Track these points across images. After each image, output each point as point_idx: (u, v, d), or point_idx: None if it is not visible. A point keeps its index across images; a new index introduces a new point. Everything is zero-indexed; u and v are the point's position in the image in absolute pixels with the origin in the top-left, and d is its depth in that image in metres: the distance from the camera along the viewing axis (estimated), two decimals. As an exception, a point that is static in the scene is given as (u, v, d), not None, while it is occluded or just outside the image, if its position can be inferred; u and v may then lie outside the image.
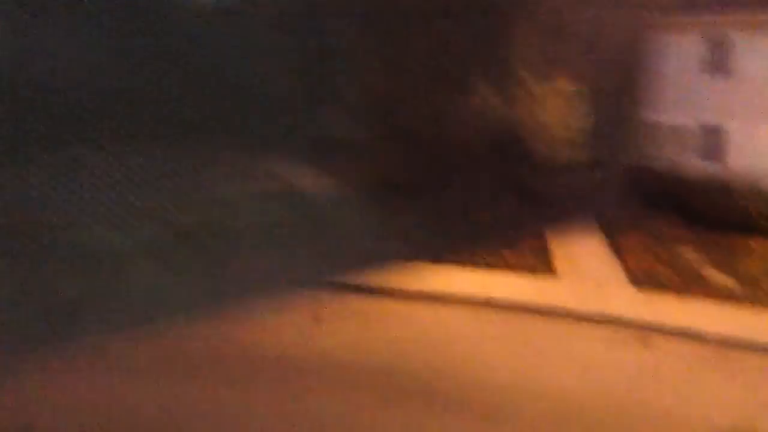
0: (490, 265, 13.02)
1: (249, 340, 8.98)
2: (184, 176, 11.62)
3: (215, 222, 12.17)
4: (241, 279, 11.27)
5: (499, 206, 16.29)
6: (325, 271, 12.00)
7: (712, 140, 18.47)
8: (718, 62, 18.33)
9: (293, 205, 13.28)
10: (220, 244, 12.26)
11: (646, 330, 10.23)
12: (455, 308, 10.92)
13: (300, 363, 8.25)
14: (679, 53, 19.18)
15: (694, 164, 18.58)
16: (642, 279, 12.59)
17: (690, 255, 14.09)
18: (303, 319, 9.89)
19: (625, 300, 11.57)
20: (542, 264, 13.35)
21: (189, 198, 11.72)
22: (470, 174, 16.17)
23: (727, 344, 9.81)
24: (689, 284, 12.41)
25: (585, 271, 13.12)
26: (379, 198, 14.35)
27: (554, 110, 17.68)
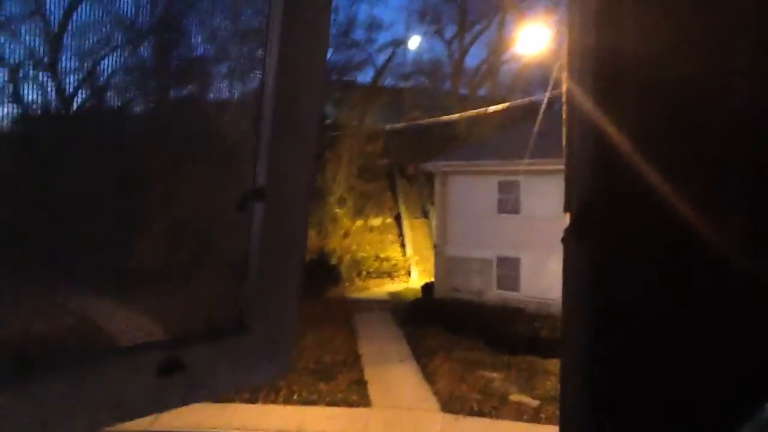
0: (306, 401, 12.65)
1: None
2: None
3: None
4: None
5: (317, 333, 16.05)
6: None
7: (509, 270, 20.26)
8: (511, 203, 20.62)
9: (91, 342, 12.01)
10: None
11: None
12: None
13: None
14: (476, 195, 21.30)
15: (494, 293, 20.10)
16: (452, 404, 12.84)
17: (496, 379, 14.74)
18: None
19: (435, 425, 11.64)
20: (358, 395, 13.19)
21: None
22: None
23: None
24: (497, 407, 12.86)
25: (398, 398, 13.13)
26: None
27: (365, 242, 18.38)
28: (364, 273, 27.77)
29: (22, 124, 1.25)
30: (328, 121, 28.04)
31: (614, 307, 1.01)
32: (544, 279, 18.67)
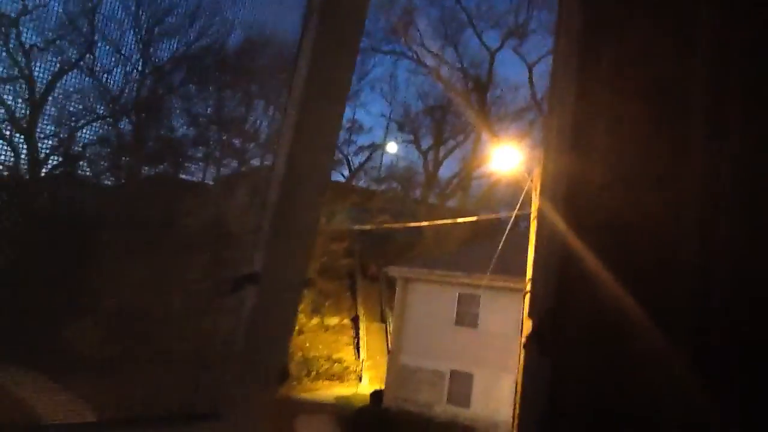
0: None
1: None
2: None
3: None
4: None
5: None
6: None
7: (461, 386, 19.86)
8: (468, 316, 20.56)
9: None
10: None
11: None
12: None
13: None
14: (435, 305, 21.23)
15: (444, 407, 19.58)
16: None
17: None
18: None
19: None
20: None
21: None
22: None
23: None
24: None
25: None
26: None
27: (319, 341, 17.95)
28: (314, 373, 26.99)
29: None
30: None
31: (567, 414, 1.03)
32: (495, 398, 18.33)
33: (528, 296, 14.49)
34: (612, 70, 1.10)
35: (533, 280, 1.17)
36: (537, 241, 1.18)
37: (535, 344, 1.12)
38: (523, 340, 1.16)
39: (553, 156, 1.18)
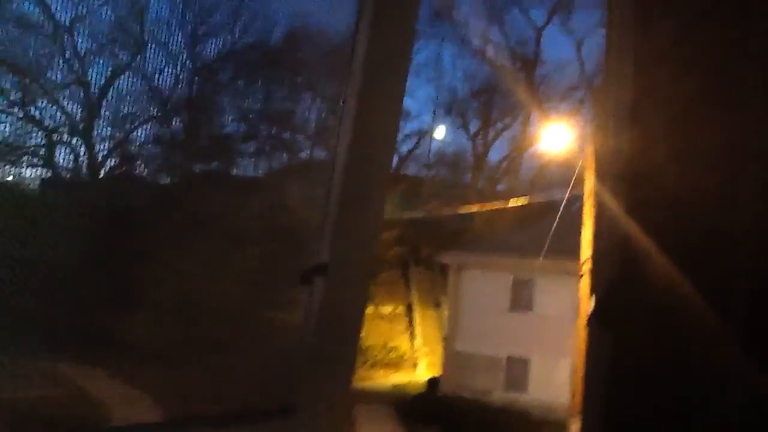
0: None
1: None
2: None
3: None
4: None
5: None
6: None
7: (517, 371, 19.69)
8: (523, 300, 20.32)
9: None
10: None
11: None
12: None
13: None
14: (489, 291, 21.06)
15: (501, 393, 19.45)
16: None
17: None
18: None
19: None
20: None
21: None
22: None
23: None
24: None
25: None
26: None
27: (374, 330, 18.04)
28: (370, 362, 27.20)
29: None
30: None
31: (632, 390, 1.05)
32: (553, 382, 18.11)
33: (584, 278, 14.25)
34: (669, 44, 1.07)
35: (595, 258, 1.21)
36: (597, 218, 1.19)
37: (597, 320, 1.13)
38: (586, 319, 1.20)
39: (611, 133, 1.16)
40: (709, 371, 1.01)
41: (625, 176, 1.12)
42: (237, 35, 1.60)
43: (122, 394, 1.34)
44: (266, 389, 1.47)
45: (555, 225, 15.99)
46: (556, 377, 17.72)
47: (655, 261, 1.06)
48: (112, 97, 1.35)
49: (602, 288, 1.16)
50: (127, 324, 1.42)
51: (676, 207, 1.07)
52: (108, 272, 1.35)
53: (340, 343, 1.48)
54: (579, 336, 13.92)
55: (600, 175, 1.21)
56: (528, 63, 35.28)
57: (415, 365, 28.47)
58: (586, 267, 14.30)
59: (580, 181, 15.13)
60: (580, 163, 15.02)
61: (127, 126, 1.41)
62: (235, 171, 1.75)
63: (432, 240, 28.97)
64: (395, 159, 36.67)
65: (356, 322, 1.54)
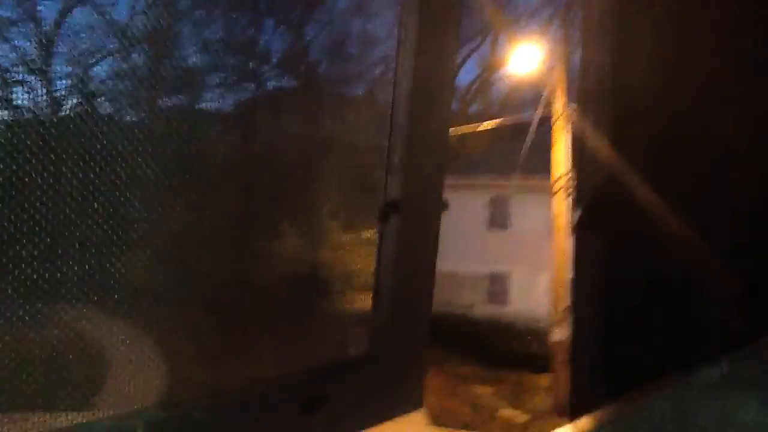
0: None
1: None
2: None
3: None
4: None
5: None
6: None
7: (499, 287, 20.26)
8: (500, 218, 20.66)
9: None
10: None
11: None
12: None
13: None
14: (468, 210, 21.31)
15: (484, 308, 20.06)
16: (442, 418, 12.78)
17: (486, 393, 14.69)
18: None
19: (426, 440, 11.61)
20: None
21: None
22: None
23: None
24: (486, 421, 12.83)
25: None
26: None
27: (358, 257, 18.31)
28: (356, 285, 27.65)
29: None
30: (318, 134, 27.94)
31: (624, 289, 1.10)
32: (532, 294, 18.66)
33: (557, 194, 14.45)
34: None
35: (578, 170, 1.26)
36: (578, 129, 1.24)
37: (587, 224, 1.19)
38: (572, 226, 1.27)
39: (593, 44, 1.17)
40: (696, 268, 1.06)
41: (610, 92, 1.14)
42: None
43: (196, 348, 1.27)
44: (347, 340, 1.40)
45: (527, 145, 16.05)
46: (536, 289, 18.25)
47: (637, 166, 1.10)
48: (66, 32, 1.30)
49: (589, 195, 1.18)
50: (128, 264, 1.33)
51: (657, 121, 1.10)
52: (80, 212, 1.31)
53: (416, 287, 1.38)
54: (554, 249, 14.26)
55: (582, 89, 1.23)
56: (494, -22, 34.31)
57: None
58: (559, 184, 14.49)
59: (549, 102, 15.10)
60: (549, 84, 14.96)
61: (86, 62, 1.36)
62: (201, 105, 1.71)
63: (407, 165, 28.86)
64: (365, 83, 35.96)
65: (431, 261, 1.44)
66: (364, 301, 1.40)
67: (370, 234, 1.39)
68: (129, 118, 1.50)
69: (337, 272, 1.48)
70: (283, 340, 1.34)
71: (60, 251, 1.18)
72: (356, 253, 1.43)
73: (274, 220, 1.46)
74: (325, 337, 1.40)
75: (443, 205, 1.47)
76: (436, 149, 1.44)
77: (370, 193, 1.40)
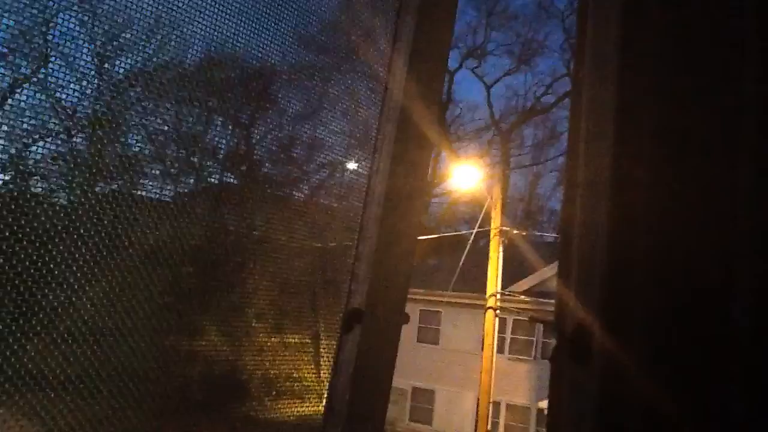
0: None
1: None
2: None
3: None
4: None
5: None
6: None
7: (423, 402, 19.81)
8: (430, 332, 20.56)
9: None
10: None
11: None
12: None
13: None
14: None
15: (406, 425, 19.48)
16: None
17: None
18: None
19: None
20: None
21: None
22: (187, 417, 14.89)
23: None
24: None
25: None
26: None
27: (282, 361, 17.67)
28: (274, 393, 26.53)
29: None
30: (256, 233, 27.80)
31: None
32: (457, 413, 18.33)
33: (488, 311, 14.56)
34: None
35: (561, 287, 1.02)
36: (563, 240, 1.05)
37: (568, 357, 1.01)
38: (552, 352, 1.05)
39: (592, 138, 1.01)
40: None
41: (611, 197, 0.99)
42: (149, 53, 1.56)
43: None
44: None
45: (462, 260, 16.37)
46: (461, 409, 17.96)
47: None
48: (9, 109, 1.28)
49: (571, 320, 0.98)
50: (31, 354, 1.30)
51: (665, 230, 0.93)
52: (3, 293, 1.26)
53: (372, 400, 1.32)
54: (483, 368, 14.19)
55: (584, 208, 1.06)
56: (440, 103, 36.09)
57: (320, 396, 27.97)
58: (491, 301, 14.69)
59: (487, 219, 15.62)
60: (488, 201, 15.54)
61: (25, 140, 1.33)
62: (140, 193, 1.68)
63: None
64: (306, 188, 36.34)
65: (388, 372, 1.39)
66: (318, 413, 1.36)
67: (307, 339, 1.37)
68: (60, 200, 1.46)
69: (277, 377, 1.45)
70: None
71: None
72: (299, 358, 1.41)
73: (198, 318, 1.43)
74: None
75: (404, 318, 1.44)
76: (405, 258, 1.43)
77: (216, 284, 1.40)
